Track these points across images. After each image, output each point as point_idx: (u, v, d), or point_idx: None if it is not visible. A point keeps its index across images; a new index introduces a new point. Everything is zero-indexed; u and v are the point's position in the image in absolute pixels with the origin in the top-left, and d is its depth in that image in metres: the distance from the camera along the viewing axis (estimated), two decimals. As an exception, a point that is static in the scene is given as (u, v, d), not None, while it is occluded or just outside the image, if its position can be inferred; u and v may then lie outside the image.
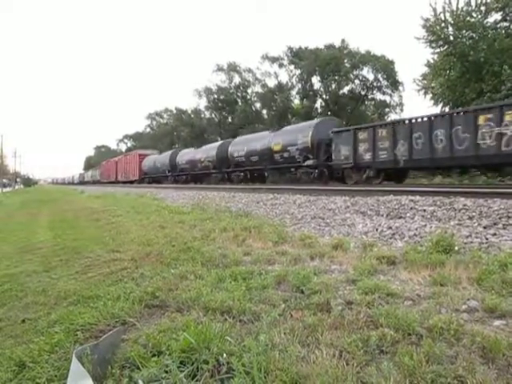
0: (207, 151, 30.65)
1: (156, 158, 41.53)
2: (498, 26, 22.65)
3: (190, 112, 66.21)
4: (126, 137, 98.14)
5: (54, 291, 4.24)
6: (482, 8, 22.85)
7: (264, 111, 53.62)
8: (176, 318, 3.13)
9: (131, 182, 47.06)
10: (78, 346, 2.69)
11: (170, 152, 39.56)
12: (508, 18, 22.18)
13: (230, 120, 56.14)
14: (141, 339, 2.80)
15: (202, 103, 60.80)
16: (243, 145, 26.10)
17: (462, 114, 13.88)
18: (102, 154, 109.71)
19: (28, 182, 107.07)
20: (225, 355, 2.42)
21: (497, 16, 22.69)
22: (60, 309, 3.62)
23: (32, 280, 4.94)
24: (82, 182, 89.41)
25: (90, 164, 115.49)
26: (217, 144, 30.73)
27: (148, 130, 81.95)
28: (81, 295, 3.95)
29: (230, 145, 27.74)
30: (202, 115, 62.08)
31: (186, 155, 34.68)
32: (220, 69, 55.46)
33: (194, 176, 32.97)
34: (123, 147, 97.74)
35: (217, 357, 2.43)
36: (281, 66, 51.77)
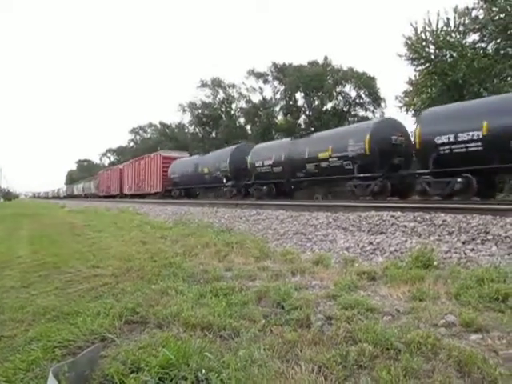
0: (337, 138, 16.57)
1: (199, 161, 27.62)
2: (477, 46, 23.23)
3: (173, 127, 66.25)
4: (109, 151, 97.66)
5: (33, 307, 4.16)
6: (461, 28, 23.44)
7: (248, 126, 53.88)
8: (156, 334, 3.11)
9: (141, 197, 35.51)
10: (56, 363, 2.66)
11: (230, 149, 25.23)
12: (485, 39, 22.75)
13: (213, 135, 56.24)
14: (120, 356, 2.76)
15: (186, 118, 60.96)
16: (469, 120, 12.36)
17: None
18: (85, 169, 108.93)
19: (8, 196, 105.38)
20: (204, 371, 2.42)
21: (475, 36, 23.30)
22: (38, 325, 3.55)
23: (9, 296, 4.85)
24: (70, 196, 77.73)
25: (72, 178, 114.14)
26: (368, 124, 16.43)
27: (132, 144, 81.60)
28: (60, 311, 3.88)
29: (425, 121, 14.05)
30: (186, 130, 62.13)
31: (276, 150, 20.02)
32: (204, 84, 55.75)
33: (298, 184, 19.65)
34: (106, 161, 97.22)
35: (196, 373, 2.42)
36: (265, 81, 52.28)
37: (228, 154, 24.07)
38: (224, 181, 23.88)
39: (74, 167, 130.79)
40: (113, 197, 45.11)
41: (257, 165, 20.99)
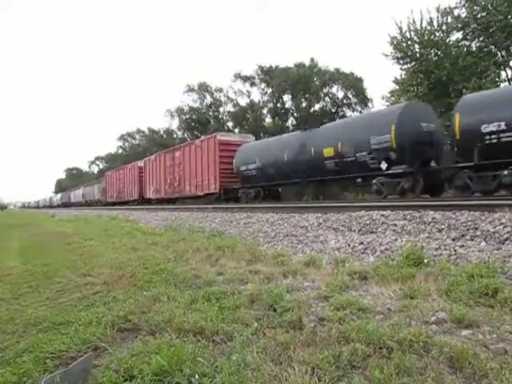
0: None
1: (309, 138, 16.46)
2: (460, 44, 23.48)
3: (162, 132, 66.09)
4: (97, 158, 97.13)
5: (23, 319, 4.13)
6: (444, 27, 23.67)
7: (236, 130, 53.90)
8: (149, 341, 3.10)
9: (171, 202, 27.25)
10: (48, 374, 2.64)
11: (392, 110, 14.30)
12: (468, 37, 23.01)
13: (202, 139, 56.18)
14: (113, 364, 2.75)
15: (175, 123, 60.84)
16: None
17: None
18: (74, 177, 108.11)
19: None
20: (197, 376, 2.42)
21: (458, 35, 23.55)
22: (29, 337, 3.52)
23: None
24: (66, 205, 66.65)
25: (61, 187, 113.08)
26: None
27: (120, 151, 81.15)
28: (51, 322, 3.85)
29: None
30: (175, 135, 61.99)
31: None
32: (191, 89, 55.66)
33: None
34: (95, 169, 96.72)
35: (189, 378, 2.42)
36: (252, 84, 52.32)
37: (390, 119, 13.20)
38: (382, 166, 13.17)
39: (62, 176, 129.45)
40: (123, 203, 36.20)
41: (487, 130, 10.92)
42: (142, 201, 32.78)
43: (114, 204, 38.90)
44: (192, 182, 23.97)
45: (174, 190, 26.55)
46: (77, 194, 60.99)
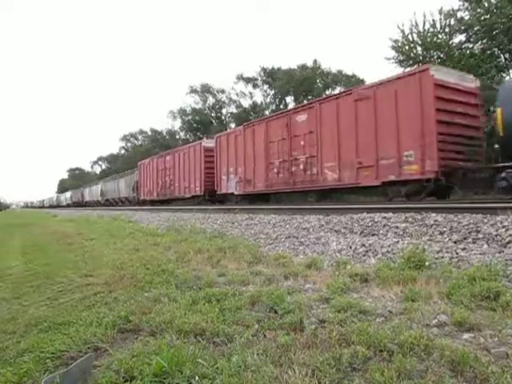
0: None
1: None
2: (463, 46, 23.42)
3: (164, 133, 66.14)
4: (100, 159, 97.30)
5: (24, 318, 4.14)
6: (447, 30, 23.63)
7: (239, 131, 53.87)
8: (149, 342, 3.10)
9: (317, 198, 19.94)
10: (48, 374, 2.64)
11: None
12: (471, 40, 22.96)
13: (205, 140, 56.17)
14: (113, 365, 2.75)
15: (177, 124, 60.88)
16: None
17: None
18: (77, 177, 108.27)
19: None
20: (197, 378, 2.41)
21: (461, 37, 23.50)
22: (30, 337, 3.53)
23: (0, 308, 4.82)
24: (78, 205, 57.14)
25: (63, 187, 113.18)
26: None
27: (123, 151, 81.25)
28: (52, 322, 3.85)
29: None
30: (177, 136, 62.02)
31: None
32: (193, 90, 55.71)
33: None
34: (98, 169, 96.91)
35: (189, 380, 2.41)
36: (255, 86, 52.33)
37: None
38: None
39: (64, 176, 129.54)
40: (168, 202, 27.44)
41: None
42: (212, 198, 22.36)
43: (152, 203, 29.40)
44: (345, 163, 13.67)
45: (296, 178, 15.98)
46: (93, 192, 50.59)
